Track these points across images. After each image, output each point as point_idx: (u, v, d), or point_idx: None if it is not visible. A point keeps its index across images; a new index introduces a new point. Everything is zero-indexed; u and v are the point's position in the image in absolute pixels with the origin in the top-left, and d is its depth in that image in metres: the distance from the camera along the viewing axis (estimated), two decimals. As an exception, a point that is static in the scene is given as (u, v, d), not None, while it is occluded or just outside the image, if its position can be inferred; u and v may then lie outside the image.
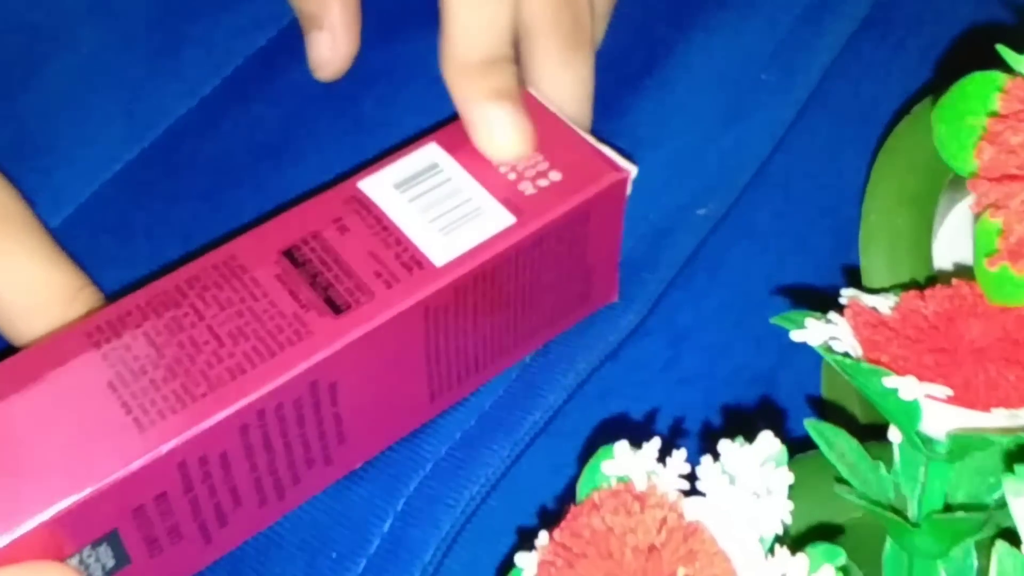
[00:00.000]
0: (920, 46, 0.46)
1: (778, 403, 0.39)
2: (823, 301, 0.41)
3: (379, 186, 0.35)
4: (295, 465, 0.34)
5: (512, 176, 0.35)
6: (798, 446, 0.33)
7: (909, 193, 0.33)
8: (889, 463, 0.29)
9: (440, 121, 0.43)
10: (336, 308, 0.33)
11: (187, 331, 0.32)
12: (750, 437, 0.27)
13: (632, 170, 0.36)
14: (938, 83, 0.43)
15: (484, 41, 0.37)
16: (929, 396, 0.26)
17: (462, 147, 0.36)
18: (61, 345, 0.32)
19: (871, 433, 0.32)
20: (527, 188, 0.35)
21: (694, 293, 0.41)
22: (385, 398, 0.35)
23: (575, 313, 0.39)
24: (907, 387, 0.25)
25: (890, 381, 0.25)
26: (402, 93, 0.44)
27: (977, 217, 0.25)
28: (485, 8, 0.37)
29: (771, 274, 0.42)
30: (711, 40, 0.45)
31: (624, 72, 0.44)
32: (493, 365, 0.37)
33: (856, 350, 0.27)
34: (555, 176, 0.36)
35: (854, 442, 0.29)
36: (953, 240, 0.34)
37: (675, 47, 0.44)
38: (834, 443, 0.28)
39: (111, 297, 0.38)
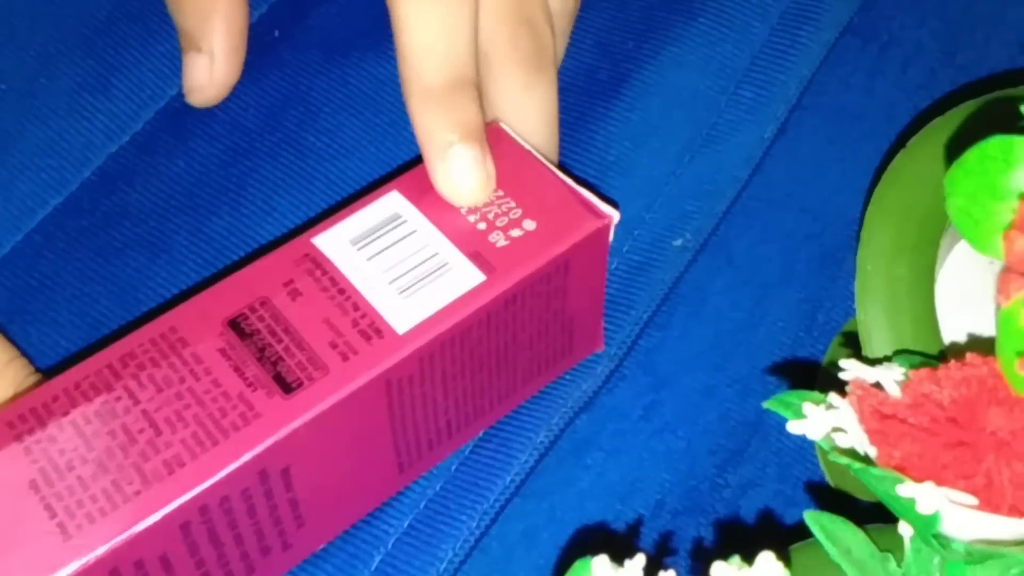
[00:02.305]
0: (904, 53, 0.43)
1: (765, 453, 0.37)
2: (813, 341, 0.38)
3: (335, 242, 0.32)
4: (248, 556, 0.31)
5: (482, 226, 0.32)
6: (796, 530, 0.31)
7: (908, 240, 0.31)
8: (898, 549, 0.27)
9: (389, 157, 0.40)
10: (286, 386, 0.30)
11: (120, 418, 0.29)
12: (744, 544, 0.24)
13: (614, 215, 0.33)
14: (931, 111, 0.41)
15: (447, 59, 0.34)
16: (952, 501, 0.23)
17: (426, 195, 0.33)
18: None
19: (876, 509, 0.30)
20: (498, 240, 0.32)
21: (673, 333, 0.38)
22: (348, 475, 0.32)
23: (558, 365, 0.36)
24: (927, 498, 0.22)
25: (907, 490, 0.23)
26: (348, 124, 0.41)
27: (999, 307, 0.22)
28: (445, 19, 0.34)
29: (755, 308, 0.39)
30: (682, 55, 0.41)
31: (589, 92, 0.41)
32: (469, 428, 0.35)
33: (863, 442, 0.24)
34: (529, 225, 0.33)
35: (860, 534, 0.26)
36: (955, 285, 0.32)
37: (643, 63, 0.41)
38: (838, 538, 0.26)
39: (40, 366, 0.35)
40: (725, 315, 0.39)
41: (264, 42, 0.42)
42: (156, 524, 0.28)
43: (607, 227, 0.33)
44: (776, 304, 0.39)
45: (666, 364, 0.38)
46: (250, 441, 0.29)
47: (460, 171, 0.33)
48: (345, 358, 0.30)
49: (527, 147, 0.34)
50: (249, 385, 0.30)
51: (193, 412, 0.29)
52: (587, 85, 0.41)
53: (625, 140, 0.40)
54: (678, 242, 0.39)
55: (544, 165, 0.34)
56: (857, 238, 0.38)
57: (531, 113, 0.36)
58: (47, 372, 0.35)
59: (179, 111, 0.41)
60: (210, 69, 0.39)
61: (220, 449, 0.29)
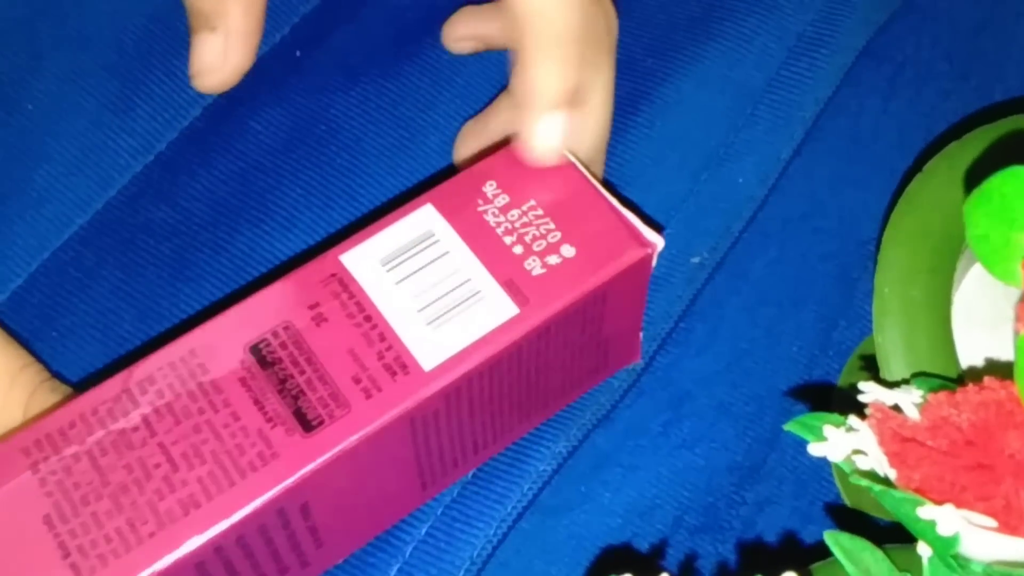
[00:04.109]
0: (918, 75, 0.44)
1: (782, 470, 0.37)
2: (829, 360, 0.39)
3: (364, 261, 0.31)
4: (265, 576, 0.31)
5: (518, 250, 0.31)
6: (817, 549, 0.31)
7: (924, 263, 0.31)
8: (916, 569, 0.27)
9: (409, 172, 0.40)
10: (307, 424, 0.29)
11: (136, 450, 0.28)
12: (762, 562, 0.25)
13: (659, 243, 0.32)
14: (946, 133, 0.41)
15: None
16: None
17: (461, 211, 0.32)
18: None
19: (892, 529, 0.30)
20: (535, 267, 0.31)
21: (691, 349, 0.39)
22: (368, 500, 0.32)
23: (590, 381, 0.35)
24: (947, 520, 0.23)
25: (927, 512, 0.23)
26: (369, 141, 0.41)
27: (1017, 334, 0.22)
28: (558, 51, 0.33)
29: (771, 326, 0.39)
30: (700, 74, 0.42)
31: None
32: (495, 444, 0.34)
33: (883, 464, 0.25)
34: (568, 252, 0.31)
35: (879, 554, 0.26)
36: (971, 307, 0.32)
37: (662, 82, 0.42)
38: (858, 558, 0.26)
39: (67, 382, 0.35)
40: (742, 333, 0.39)
41: (286, 62, 0.42)
42: (170, 566, 0.27)
43: (650, 257, 0.32)
44: (792, 323, 0.39)
45: (684, 381, 0.38)
46: (268, 483, 0.28)
47: (553, 136, 0.32)
48: (368, 395, 0.29)
49: (571, 158, 0.33)
50: (268, 420, 0.29)
51: (211, 448, 0.28)
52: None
53: (643, 157, 0.41)
54: (696, 259, 0.39)
55: (588, 181, 0.32)
56: (872, 258, 0.39)
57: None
58: (74, 386, 0.35)
59: (202, 131, 0.41)
60: (223, 50, 0.38)
61: (237, 490, 0.28)
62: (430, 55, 0.42)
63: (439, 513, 0.35)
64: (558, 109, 0.33)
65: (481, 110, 0.41)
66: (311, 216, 0.40)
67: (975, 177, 0.31)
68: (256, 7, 0.39)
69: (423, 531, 0.35)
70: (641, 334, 0.36)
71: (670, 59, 0.42)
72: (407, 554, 0.34)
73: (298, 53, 0.43)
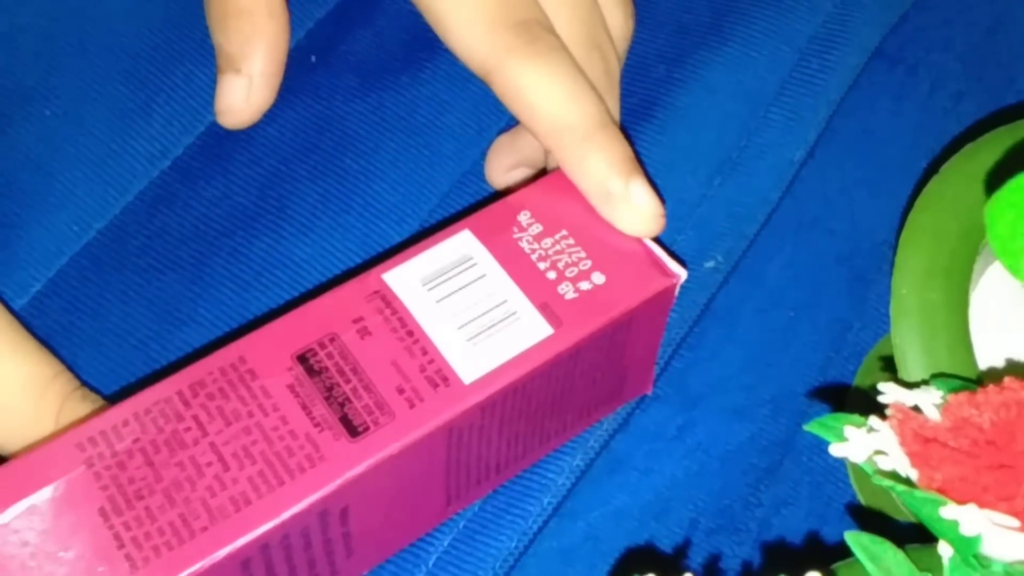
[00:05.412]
0: (930, 76, 0.44)
1: (798, 472, 0.37)
2: (843, 362, 0.39)
3: (405, 280, 0.32)
4: (298, 583, 0.31)
5: (552, 275, 0.32)
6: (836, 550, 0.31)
7: (941, 265, 0.31)
8: (936, 568, 0.27)
9: (425, 177, 0.41)
10: (353, 430, 0.30)
11: (188, 449, 0.29)
12: (780, 563, 0.25)
13: (682, 274, 0.33)
14: (959, 135, 0.41)
15: (589, 102, 0.34)
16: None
17: (498, 237, 0.33)
18: (49, 460, 0.29)
19: (908, 529, 0.30)
20: (567, 292, 0.32)
21: (706, 353, 0.39)
22: (399, 511, 0.32)
23: (607, 407, 0.36)
24: (970, 520, 0.23)
25: (950, 512, 0.23)
26: (384, 146, 0.41)
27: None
28: (564, 69, 0.34)
29: (786, 329, 0.40)
30: (712, 79, 0.42)
31: (621, 116, 0.42)
32: (516, 465, 0.35)
33: (904, 465, 0.25)
34: (598, 279, 0.32)
35: (900, 554, 0.27)
36: (988, 308, 0.32)
37: (674, 87, 0.42)
38: (879, 558, 0.26)
39: (86, 382, 0.36)
40: (756, 336, 0.39)
41: (301, 68, 0.42)
42: (220, 560, 0.28)
43: (673, 287, 0.33)
44: (806, 325, 0.40)
45: (699, 384, 0.38)
46: (315, 484, 0.29)
47: (643, 206, 0.33)
48: (411, 405, 0.30)
49: None
50: (316, 425, 0.30)
51: (260, 449, 0.29)
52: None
53: (656, 163, 0.41)
54: (710, 264, 0.39)
55: None
56: (886, 260, 0.39)
57: None
58: (95, 391, 0.35)
59: (219, 136, 0.41)
60: (247, 92, 0.40)
61: (286, 490, 0.29)
62: (444, 60, 0.43)
63: (461, 526, 0.35)
64: (631, 180, 0.33)
65: (497, 116, 0.42)
66: (328, 221, 0.40)
67: (992, 178, 0.32)
68: (280, 50, 0.40)
69: (446, 542, 0.35)
70: (655, 368, 0.37)
71: (681, 64, 0.43)
72: (431, 563, 0.35)
73: (313, 58, 0.43)
